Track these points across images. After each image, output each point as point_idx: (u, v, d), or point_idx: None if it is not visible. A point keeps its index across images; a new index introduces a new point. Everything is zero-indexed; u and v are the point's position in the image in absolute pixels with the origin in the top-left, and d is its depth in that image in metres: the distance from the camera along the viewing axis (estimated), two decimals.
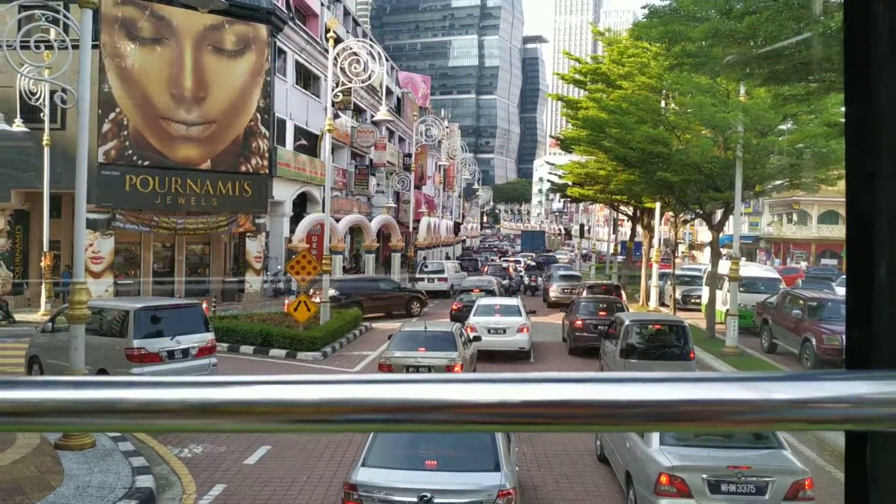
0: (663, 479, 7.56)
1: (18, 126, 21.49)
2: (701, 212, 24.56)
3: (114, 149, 26.16)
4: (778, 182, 23.92)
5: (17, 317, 22.96)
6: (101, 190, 25.24)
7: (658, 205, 29.72)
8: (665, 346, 15.06)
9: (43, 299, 24.08)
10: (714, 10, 11.72)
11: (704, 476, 7.47)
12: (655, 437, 8.05)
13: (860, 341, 0.82)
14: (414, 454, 7.15)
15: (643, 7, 14.37)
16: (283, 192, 32.94)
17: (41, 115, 23.00)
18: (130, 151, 26.51)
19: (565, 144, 39.35)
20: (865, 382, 0.72)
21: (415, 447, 7.25)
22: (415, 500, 6.54)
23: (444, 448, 7.25)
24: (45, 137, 23.07)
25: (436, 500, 6.54)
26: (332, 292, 26.38)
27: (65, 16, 13.41)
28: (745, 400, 0.72)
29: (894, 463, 0.79)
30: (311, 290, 22.82)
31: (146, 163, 26.76)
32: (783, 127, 21.36)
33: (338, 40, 22.76)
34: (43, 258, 24.27)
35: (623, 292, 26.45)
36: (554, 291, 32.42)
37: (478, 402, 0.72)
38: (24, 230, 27.92)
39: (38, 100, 22.46)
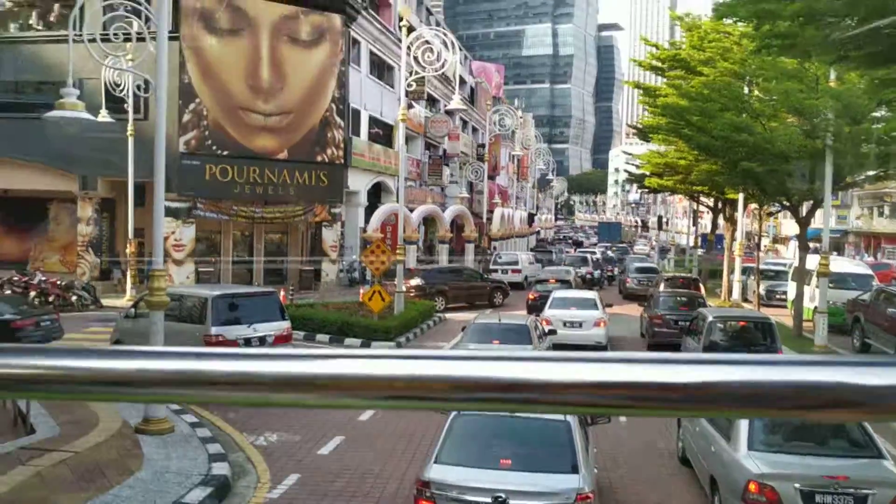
0: (752, 486, 7.08)
1: (104, 117, 22.14)
2: (787, 204, 23.52)
3: (194, 139, 26.77)
4: (871, 173, 22.72)
5: (105, 302, 23.80)
6: (182, 179, 25.87)
7: (741, 196, 28.61)
8: (751, 343, 14.45)
9: (128, 285, 24.89)
10: None
11: (797, 485, 6.98)
12: (744, 441, 7.59)
13: None
14: (488, 452, 6.90)
15: None
16: (358, 182, 33.17)
17: (125, 105, 23.68)
18: (210, 141, 27.08)
19: (643, 133, 38.41)
20: None
21: (489, 445, 7.00)
22: (489, 500, 6.27)
23: (520, 447, 6.98)
24: (129, 127, 23.75)
25: (511, 502, 6.27)
26: (416, 281, 26.53)
27: (146, 7, 13.64)
28: (857, 385, 0.62)
29: None
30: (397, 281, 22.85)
31: (225, 152, 27.29)
32: (878, 114, 20.22)
33: (410, 29, 22.64)
34: (128, 245, 25.07)
35: (702, 286, 25.62)
36: (630, 283, 32.26)
37: (565, 381, 0.67)
38: (110, 218, 28.93)
39: (122, 91, 23.11)
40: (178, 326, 13.06)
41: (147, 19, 15.36)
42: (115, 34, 16.95)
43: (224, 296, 13.65)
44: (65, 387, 0.74)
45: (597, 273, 37.50)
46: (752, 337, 14.62)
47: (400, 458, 10.30)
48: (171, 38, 25.42)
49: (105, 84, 22.77)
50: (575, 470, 6.67)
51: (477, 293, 27.82)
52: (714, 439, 8.28)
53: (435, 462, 6.76)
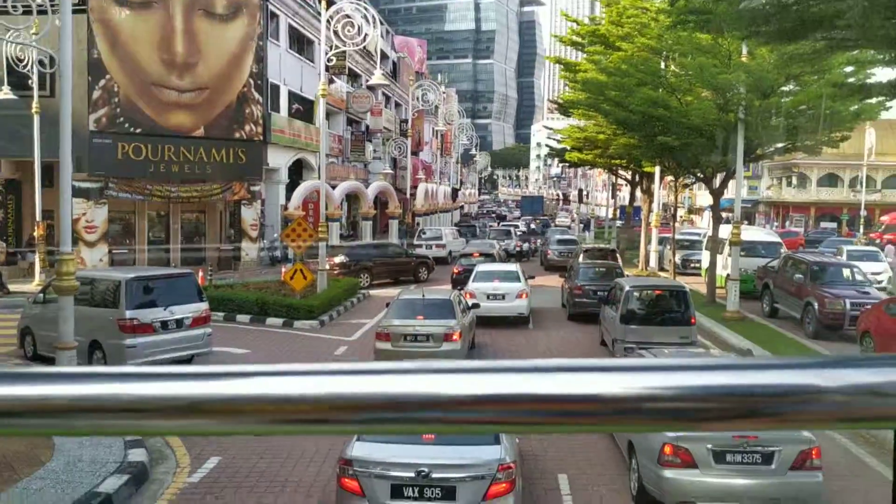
0: (667, 449, 7.40)
1: (6, 94, 21.03)
2: (701, 175, 24.25)
3: (105, 116, 25.71)
4: (780, 145, 23.59)
5: (12, 287, 22.74)
6: (93, 158, 24.86)
7: (657, 169, 29.34)
8: (666, 311, 14.88)
9: (37, 269, 23.82)
10: None
11: (709, 446, 7.30)
12: None
13: None
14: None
15: None
16: (279, 159, 32.54)
17: (30, 82, 22.52)
18: (122, 119, 26.07)
19: (564, 108, 38.86)
20: None
21: None
22: (412, 474, 6.34)
23: None
24: (34, 105, 22.61)
25: (434, 475, 6.35)
26: (341, 258, 26.28)
27: None
28: (809, 386, 0.58)
29: None
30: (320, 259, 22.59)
31: (138, 130, 26.32)
32: (786, 88, 20.96)
33: (330, 3, 22.21)
34: (36, 228, 23.96)
35: (619, 256, 26.27)
36: (552, 255, 33.20)
37: (480, 396, 0.58)
38: (16, 200, 27.59)
39: (25, 67, 21.96)
40: (91, 311, 12.61)
41: None
42: (13, 6, 16.05)
43: (138, 278, 13.22)
44: None
45: (525, 246, 38.31)
46: (668, 304, 15.07)
47: (324, 437, 10.23)
48: (78, 11, 24.40)
49: (6, 59, 21.59)
50: (497, 441, 6.74)
51: (402, 269, 27.77)
52: None
53: (357, 440, 6.71)
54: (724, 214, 28.48)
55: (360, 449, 6.61)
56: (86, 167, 24.76)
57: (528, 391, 0.58)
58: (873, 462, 9.62)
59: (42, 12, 16.73)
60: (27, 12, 16.61)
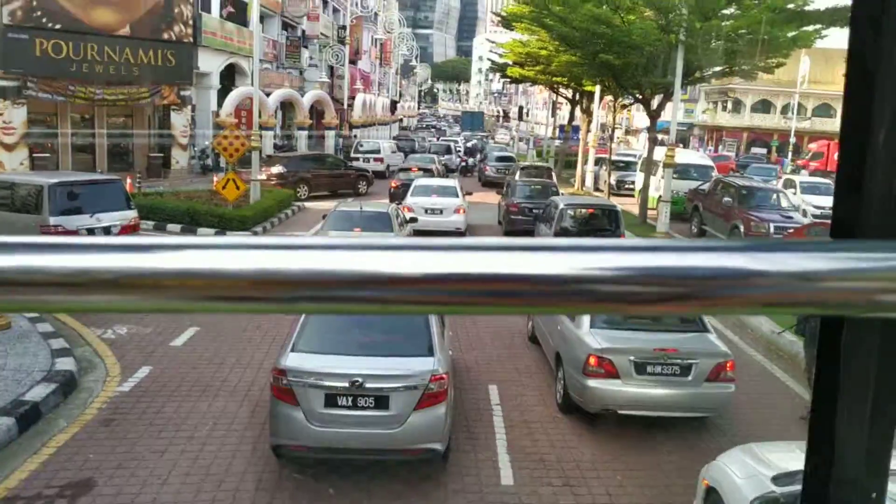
0: (592, 360, 7.79)
1: None
2: (640, 97, 24.37)
3: (20, 9, 24.05)
4: (718, 68, 23.80)
5: None
6: (8, 54, 23.42)
7: (598, 88, 29.35)
8: (597, 229, 15.25)
9: None
10: None
11: (631, 358, 7.72)
12: (586, 319, 8.23)
13: (847, 212, 0.65)
14: (345, 339, 7.00)
15: None
16: (210, 63, 31.22)
17: None
18: (39, 13, 24.43)
19: (507, 22, 38.11)
20: (850, 255, 0.57)
21: (346, 332, 7.09)
22: (346, 385, 6.44)
23: (377, 334, 7.15)
24: None
25: (367, 385, 6.45)
26: (278, 169, 25.67)
27: None
28: (704, 269, 0.56)
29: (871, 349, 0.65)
30: (261, 169, 21.99)
31: (58, 26, 24.75)
32: (727, 11, 21.00)
33: None
34: None
35: (554, 174, 26.49)
36: (489, 172, 33.25)
37: (416, 275, 0.56)
38: None
39: None
40: (11, 217, 12.13)
41: None
42: None
43: (63, 183, 12.67)
44: None
45: (471, 161, 38.32)
46: (599, 223, 15.45)
47: (257, 346, 10.23)
48: None
49: None
50: (431, 353, 6.87)
51: (341, 182, 27.40)
52: (560, 319, 8.84)
53: (291, 350, 6.76)
54: (659, 136, 28.86)
55: (294, 359, 6.66)
56: (0, 64, 23.33)
57: (462, 270, 0.56)
58: (785, 377, 10.19)
59: None
60: None
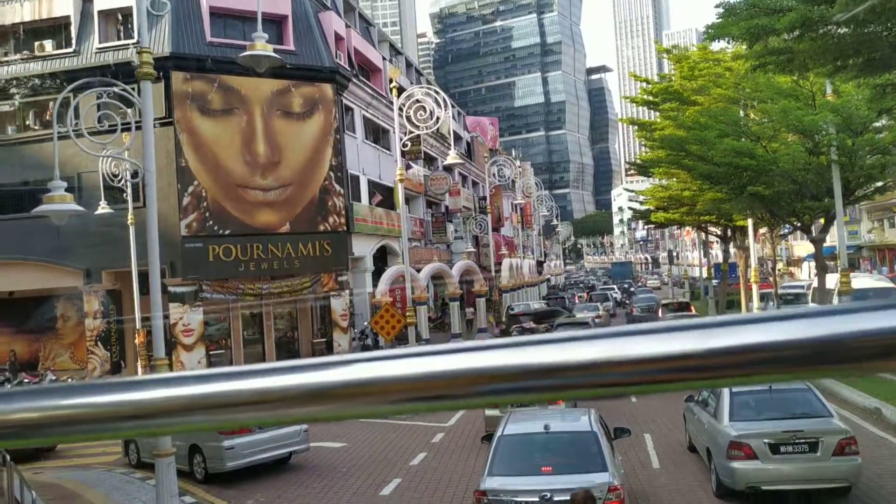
0: (732, 446, 9.42)
1: (103, 208, 22.06)
2: (798, 224, 23.09)
3: (195, 221, 26.68)
4: (879, 184, 22.37)
5: None
6: (186, 262, 25.70)
7: (750, 221, 28.19)
8: None
9: (139, 375, 24.40)
10: None
11: (766, 441, 9.26)
12: (726, 414, 9.82)
13: None
14: (531, 463, 8.36)
15: (717, 6, 13.46)
16: (363, 248, 32.95)
17: (124, 195, 23.60)
18: (211, 222, 26.98)
19: (643, 169, 38.26)
20: None
21: (531, 458, 8.46)
22: (536, 500, 7.57)
23: (557, 456, 8.36)
24: (129, 216, 23.62)
25: (555, 499, 7.45)
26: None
27: (131, 94, 13.55)
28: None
29: None
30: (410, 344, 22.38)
31: (227, 231, 27.16)
32: (879, 124, 19.95)
33: (401, 90, 22.68)
34: (137, 335, 24.69)
35: (693, 307, 25.97)
36: (635, 311, 39.86)
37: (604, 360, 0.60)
38: (117, 310, 28.65)
39: (119, 181, 23.06)
40: None
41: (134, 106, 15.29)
42: (99, 124, 16.89)
43: None
44: (83, 427, 0.68)
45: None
46: None
47: (456, 486, 11.55)
48: (165, 124, 25.74)
49: (102, 175, 22.77)
50: (605, 469, 7.95)
51: None
52: (705, 419, 10.66)
53: (488, 475, 8.11)
54: (827, 263, 26.96)
55: (491, 482, 7.98)
56: (180, 272, 25.59)
57: (637, 354, 0.58)
58: None
59: (126, 128, 17.54)
60: (113, 130, 17.43)
